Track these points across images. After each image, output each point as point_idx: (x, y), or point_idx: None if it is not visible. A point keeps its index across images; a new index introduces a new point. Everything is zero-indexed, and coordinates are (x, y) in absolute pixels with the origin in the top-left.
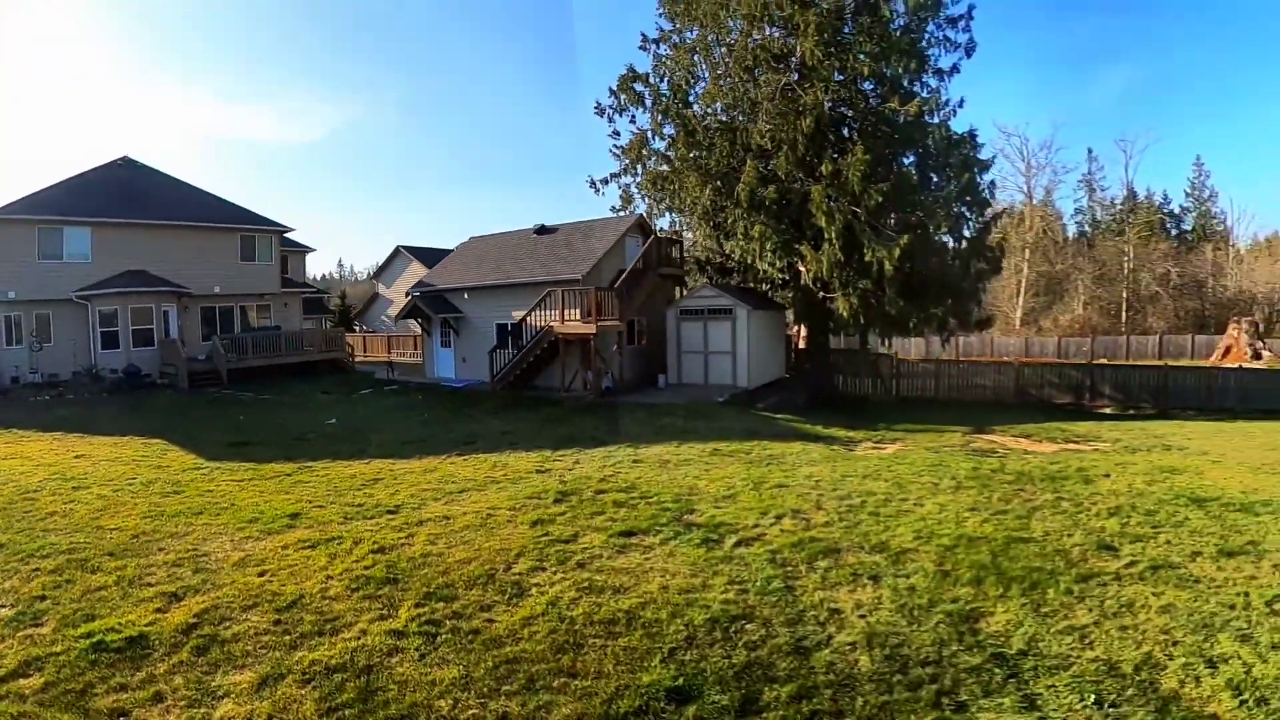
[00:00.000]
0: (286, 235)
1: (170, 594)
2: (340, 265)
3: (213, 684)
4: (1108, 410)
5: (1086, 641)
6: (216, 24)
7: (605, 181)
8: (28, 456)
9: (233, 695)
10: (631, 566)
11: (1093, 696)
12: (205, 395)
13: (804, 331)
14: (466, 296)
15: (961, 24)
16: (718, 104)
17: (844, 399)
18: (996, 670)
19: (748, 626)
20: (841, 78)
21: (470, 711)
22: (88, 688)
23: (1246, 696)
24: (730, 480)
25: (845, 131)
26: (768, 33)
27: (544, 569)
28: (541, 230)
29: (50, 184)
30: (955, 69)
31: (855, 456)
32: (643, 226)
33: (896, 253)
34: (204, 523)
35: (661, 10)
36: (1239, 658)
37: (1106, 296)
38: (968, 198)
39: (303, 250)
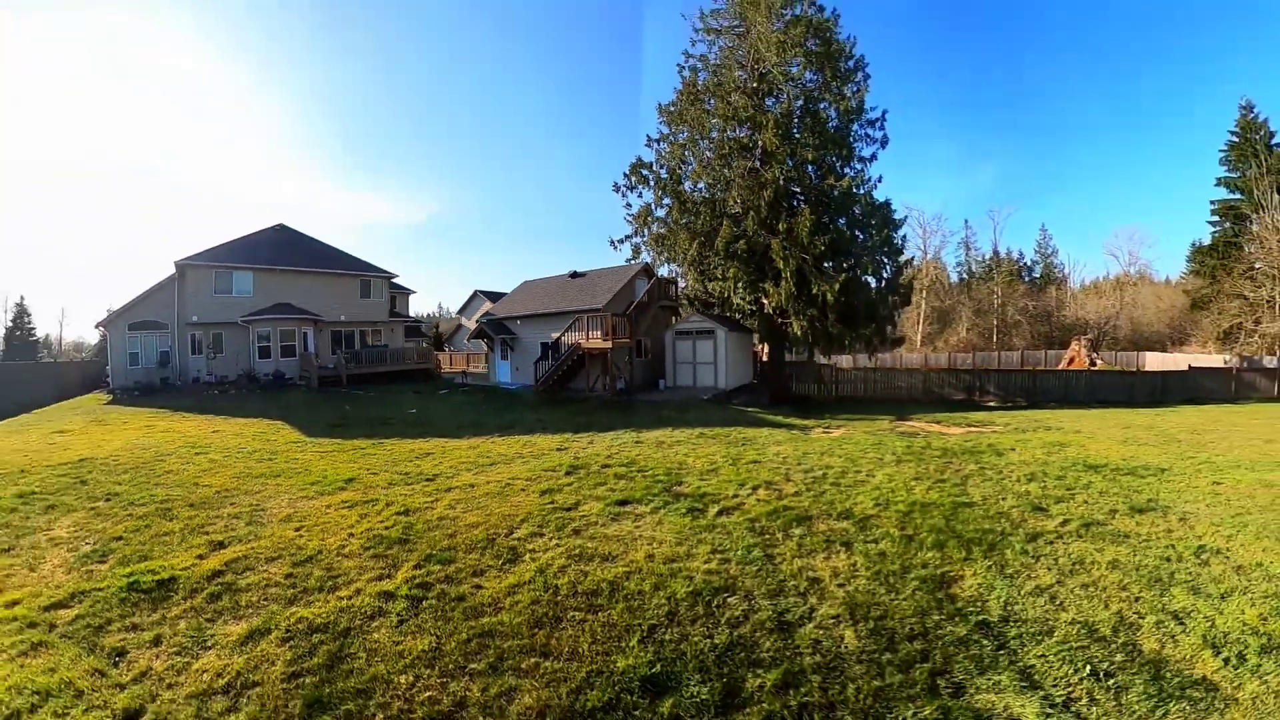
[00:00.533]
0: (394, 280)
1: (217, 542)
2: (439, 307)
3: (209, 632)
4: (992, 404)
5: (1058, 603)
6: (346, 137)
7: (621, 241)
8: (179, 431)
9: (218, 647)
10: (622, 534)
11: (1087, 667)
12: (329, 392)
13: (766, 348)
14: (519, 323)
15: (878, 124)
16: (701, 182)
17: (796, 397)
18: (985, 641)
19: (730, 600)
20: (792, 162)
21: (428, 693)
22: (105, 624)
23: (1226, 654)
24: (713, 457)
25: (795, 201)
26: (738, 131)
27: (542, 535)
28: (574, 275)
29: (224, 241)
30: (874, 156)
31: (811, 438)
32: (648, 271)
33: (836, 287)
34: (276, 484)
35: (662, 119)
36: (1199, 611)
37: (982, 324)
38: (886, 248)
39: (406, 292)
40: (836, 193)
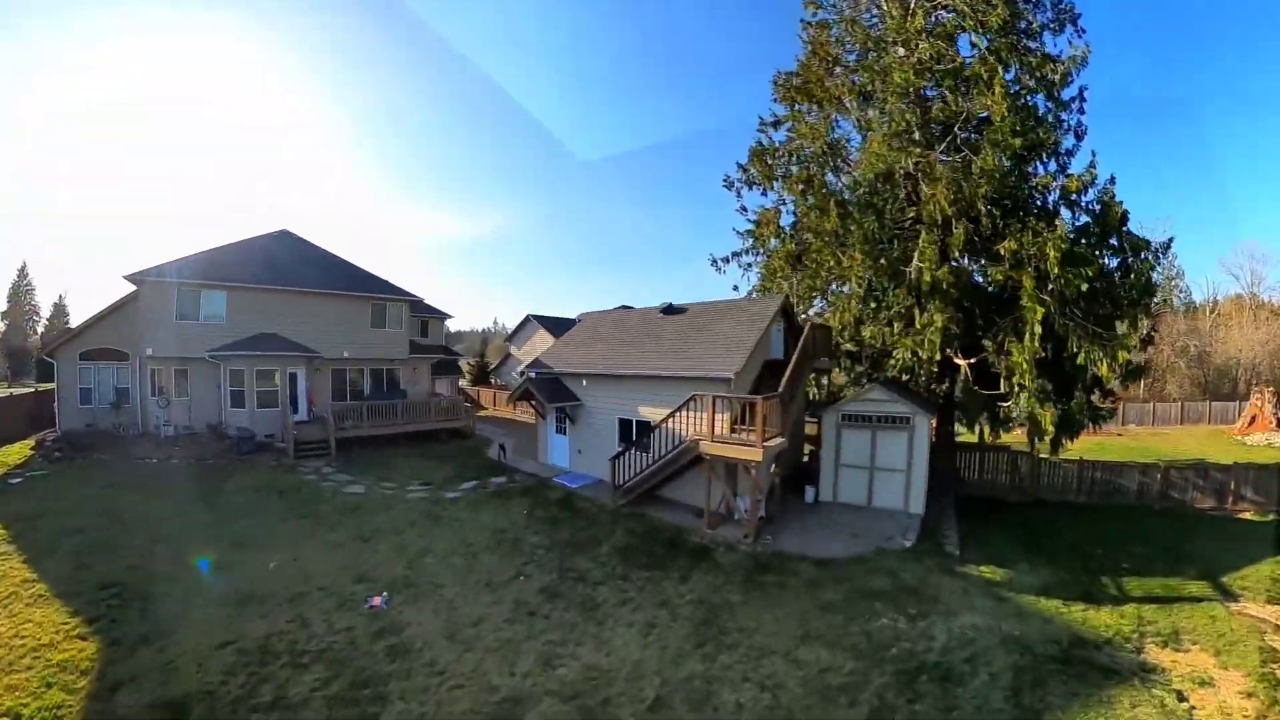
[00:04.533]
0: (426, 303)
1: None
2: (495, 323)
3: None
4: (1249, 515)
5: None
6: (420, 162)
7: (727, 260)
8: None
9: None
10: None
11: None
12: (297, 475)
13: (934, 423)
14: (585, 383)
15: (1073, 106)
16: (845, 178)
17: (978, 501)
18: None
19: None
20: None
21: None
22: None
23: None
24: None
25: (1002, 210)
26: (918, 97)
27: None
28: (669, 310)
29: (200, 250)
30: (1071, 150)
31: None
32: (787, 311)
33: (1120, 356)
34: None
35: (776, 97)
36: None
37: None
38: (1139, 287)
39: (441, 316)
40: (1055, 197)
